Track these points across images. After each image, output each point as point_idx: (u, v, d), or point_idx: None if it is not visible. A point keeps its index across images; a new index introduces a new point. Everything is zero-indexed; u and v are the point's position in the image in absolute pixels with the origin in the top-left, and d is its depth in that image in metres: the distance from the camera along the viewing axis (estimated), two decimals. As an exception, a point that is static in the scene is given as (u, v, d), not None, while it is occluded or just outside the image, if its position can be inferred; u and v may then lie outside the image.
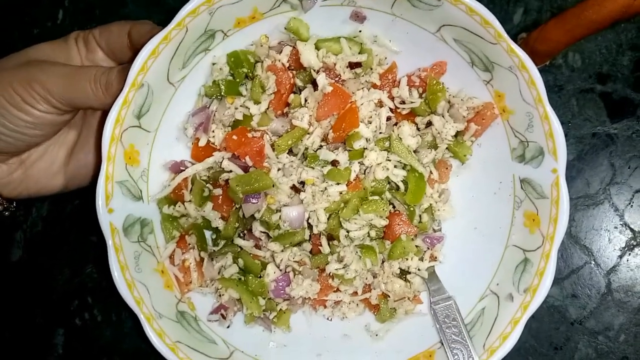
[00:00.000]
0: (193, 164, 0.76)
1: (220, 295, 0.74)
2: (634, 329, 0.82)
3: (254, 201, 0.72)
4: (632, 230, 0.83)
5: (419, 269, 0.75)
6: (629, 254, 0.84)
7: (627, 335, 0.82)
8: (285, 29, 0.75)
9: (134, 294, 0.67)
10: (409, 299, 0.76)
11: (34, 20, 0.92)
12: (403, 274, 0.77)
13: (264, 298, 0.74)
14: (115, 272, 0.66)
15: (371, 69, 0.76)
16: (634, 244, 0.83)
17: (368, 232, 0.74)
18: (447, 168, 0.78)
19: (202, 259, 0.75)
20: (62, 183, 0.77)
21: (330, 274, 0.74)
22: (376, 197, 0.73)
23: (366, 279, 0.76)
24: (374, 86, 0.77)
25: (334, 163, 0.72)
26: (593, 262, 0.84)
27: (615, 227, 0.84)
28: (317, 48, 0.75)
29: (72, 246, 0.89)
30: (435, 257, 0.77)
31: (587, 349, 0.83)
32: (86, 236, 0.88)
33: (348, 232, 0.73)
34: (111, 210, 0.67)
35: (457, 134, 0.76)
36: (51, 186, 0.77)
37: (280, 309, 0.75)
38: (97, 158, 0.68)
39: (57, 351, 0.88)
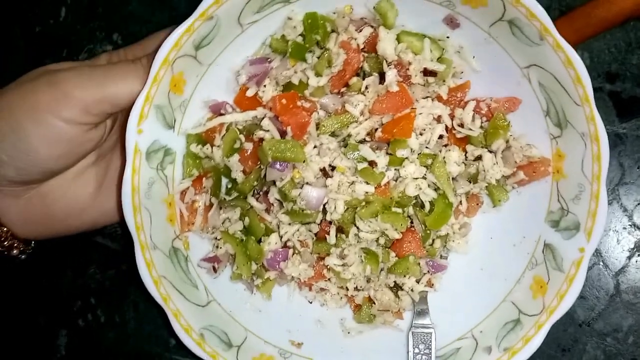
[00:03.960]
0: (234, 109, 0.74)
1: (217, 247, 0.74)
2: (643, 331, 0.81)
3: (279, 168, 0.70)
4: (641, 231, 0.81)
5: (412, 290, 0.75)
6: (638, 255, 0.82)
7: (636, 337, 0.81)
8: (373, 7, 0.70)
9: (137, 219, 0.66)
10: (392, 312, 0.76)
11: (36, 17, 0.88)
12: (395, 287, 0.76)
13: (257, 264, 0.74)
14: (126, 191, 0.65)
15: (444, 81, 0.72)
16: (643, 245, 0.81)
17: (377, 238, 0.73)
18: (477, 204, 0.76)
19: (211, 205, 0.74)
20: (90, 221, 0.72)
21: (328, 266, 0.74)
22: (399, 210, 0.71)
23: (359, 280, 0.75)
24: (439, 98, 0.73)
25: (371, 163, 0.70)
26: (601, 263, 0.82)
27: (624, 228, 0.82)
28: (398, 40, 0.70)
29: (75, 247, 0.87)
30: (432, 284, 0.76)
31: (596, 350, 0.82)
32: (89, 237, 0.87)
33: (359, 231, 0.72)
34: (140, 131, 0.65)
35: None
36: (77, 225, 0.71)
37: (268, 278, 0.76)
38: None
39: (60, 352, 0.87)
